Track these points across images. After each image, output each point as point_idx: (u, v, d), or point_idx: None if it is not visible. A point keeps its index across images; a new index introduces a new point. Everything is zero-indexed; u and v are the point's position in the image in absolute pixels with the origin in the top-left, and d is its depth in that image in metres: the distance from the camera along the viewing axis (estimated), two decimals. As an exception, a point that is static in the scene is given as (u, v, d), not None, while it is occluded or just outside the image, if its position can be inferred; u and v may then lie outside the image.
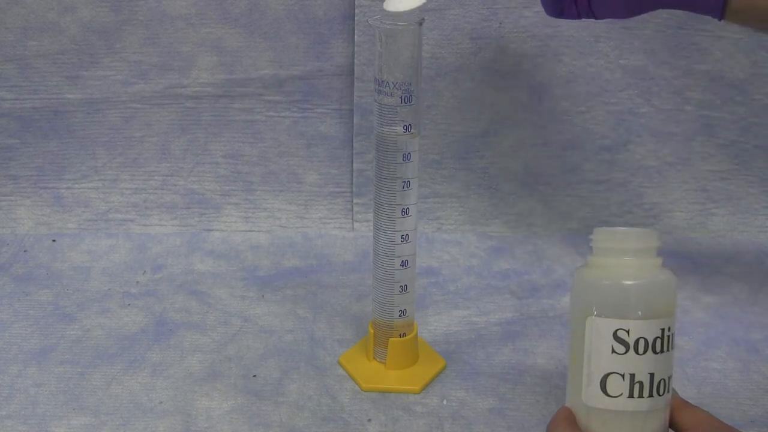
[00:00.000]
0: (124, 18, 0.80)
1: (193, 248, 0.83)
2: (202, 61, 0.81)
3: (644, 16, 0.63)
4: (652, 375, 0.48)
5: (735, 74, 0.81)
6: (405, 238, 0.61)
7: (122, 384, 0.64)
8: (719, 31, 0.80)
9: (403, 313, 0.64)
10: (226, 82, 0.82)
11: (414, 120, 0.58)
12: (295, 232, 0.86)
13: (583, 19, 0.63)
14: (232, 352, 0.68)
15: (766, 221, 0.86)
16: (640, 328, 0.48)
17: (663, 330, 0.49)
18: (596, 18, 0.62)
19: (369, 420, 0.60)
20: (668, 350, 0.49)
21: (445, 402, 0.62)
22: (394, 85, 0.57)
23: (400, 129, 0.58)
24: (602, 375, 0.49)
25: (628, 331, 0.48)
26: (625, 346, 0.48)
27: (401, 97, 0.57)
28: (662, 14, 0.79)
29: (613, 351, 0.49)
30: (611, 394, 0.49)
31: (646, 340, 0.48)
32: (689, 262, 0.82)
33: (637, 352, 0.48)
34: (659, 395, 0.49)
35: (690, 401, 0.52)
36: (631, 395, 0.49)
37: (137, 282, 0.78)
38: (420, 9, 0.55)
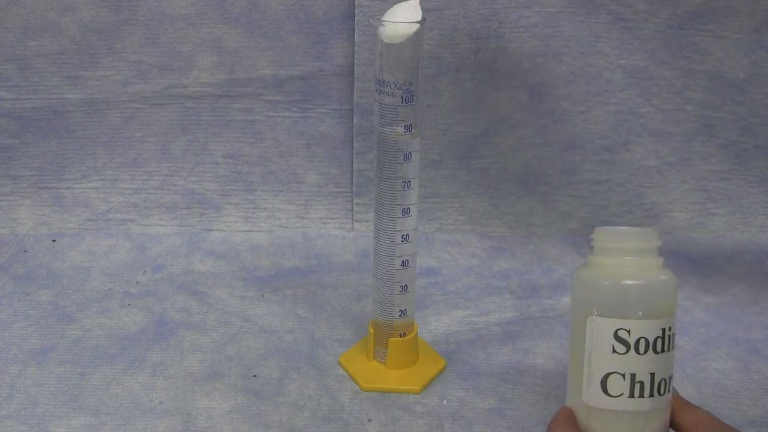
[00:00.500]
0: (124, 18, 0.80)
1: (193, 248, 0.83)
2: (202, 61, 0.81)
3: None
4: (652, 375, 0.48)
5: (735, 74, 0.81)
6: (405, 238, 0.61)
7: (122, 384, 0.64)
8: (719, 31, 0.80)
9: (403, 313, 0.64)
10: (226, 82, 0.82)
11: (415, 120, 0.58)
12: (295, 232, 0.86)
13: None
14: (232, 352, 0.68)
15: (766, 221, 0.86)
16: (640, 328, 0.48)
17: (664, 330, 0.49)
18: None
19: (369, 420, 0.60)
20: (669, 350, 0.49)
21: (445, 402, 0.62)
22: (395, 85, 0.56)
23: (400, 129, 0.58)
24: (603, 375, 0.49)
25: (628, 331, 0.48)
26: (625, 346, 0.48)
27: (402, 97, 0.57)
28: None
29: (614, 351, 0.49)
30: (612, 393, 0.49)
31: (646, 340, 0.48)
32: (689, 262, 0.82)
33: (637, 352, 0.48)
34: (660, 395, 0.49)
35: (690, 401, 0.52)
36: (631, 395, 0.49)
37: (137, 282, 0.78)
38: (413, 34, 0.55)
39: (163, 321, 0.72)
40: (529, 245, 0.85)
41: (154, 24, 0.80)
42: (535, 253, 0.84)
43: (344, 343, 0.69)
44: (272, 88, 0.82)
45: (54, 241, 0.84)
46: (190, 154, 0.85)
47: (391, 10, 0.56)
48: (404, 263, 0.62)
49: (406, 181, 0.60)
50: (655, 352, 0.48)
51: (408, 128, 0.58)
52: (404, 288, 0.63)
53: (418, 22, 0.55)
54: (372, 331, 0.65)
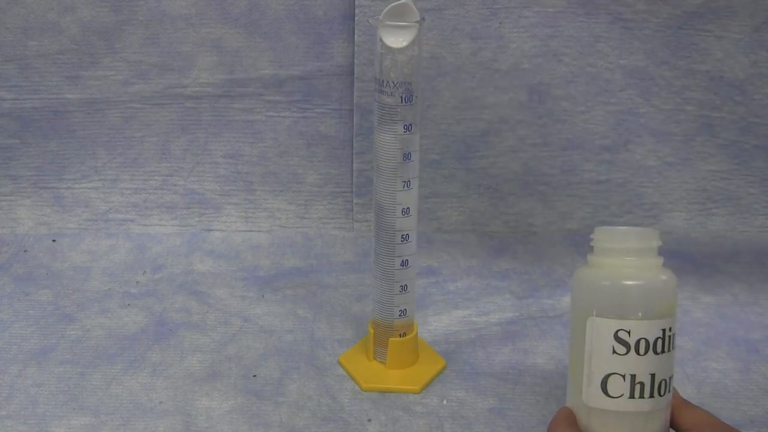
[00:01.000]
0: (124, 18, 0.80)
1: (193, 248, 0.83)
2: (202, 61, 0.81)
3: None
4: (653, 375, 0.48)
5: (735, 74, 0.82)
6: (405, 238, 0.61)
7: (122, 384, 0.64)
8: (719, 31, 0.80)
9: (403, 312, 0.64)
10: (226, 82, 0.82)
11: (414, 120, 0.58)
12: (295, 232, 0.86)
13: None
14: (232, 352, 0.68)
15: (766, 221, 0.86)
16: (641, 329, 0.48)
17: (664, 330, 0.49)
18: None
19: (369, 420, 0.60)
20: (669, 350, 0.49)
21: (445, 402, 0.62)
22: (395, 85, 0.56)
23: (400, 129, 0.58)
24: (603, 375, 0.49)
25: (629, 332, 0.48)
26: (626, 347, 0.48)
27: (401, 97, 0.57)
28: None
29: (614, 351, 0.49)
30: (612, 394, 0.49)
31: (647, 341, 0.48)
32: (689, 262, 0.82)
33: (638, 352, 0.48)
34: (660, 396, 0.49)
35: (690, 401, 0.52)
36: (632, 396, 0.49)
37: (137, 282, 0.78)
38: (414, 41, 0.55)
39: (163, 321, 0.72)
40: (529, 245, 0.85)
41: (154, 24, 0.80)
42: (535, 253, 0.84)
43: (344, 343, 0.69)
44: (272, 88, 0.82)
45: (54, 241, 0.84)
46: (190, 154, 0.85)
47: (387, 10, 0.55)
48: (404, 263, 0.62)
49: (406, 181, 0.60)
50: (656, 352, 0.48)
51: (408, 128, 0.58)
52: (404, 288, 0.63)
53: (417, 22, 0.55)
54: (372, 331, 0.65)
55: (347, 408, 0.61)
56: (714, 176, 0.86)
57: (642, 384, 0.48)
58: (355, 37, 0.79)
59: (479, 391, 0.63)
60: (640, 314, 0.48)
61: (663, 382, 0.49)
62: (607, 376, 0.49)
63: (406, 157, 0.59)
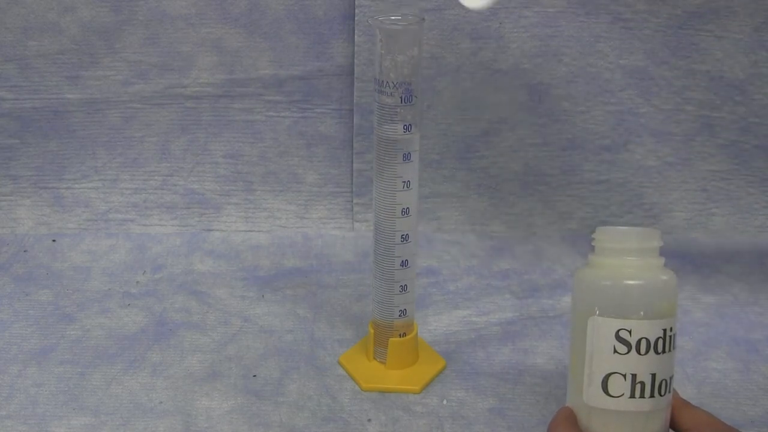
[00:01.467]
0: (124, 18, 0.80)
1: (193, 248, 0.83)
2: (202, 61, 0.81)
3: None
4: (653, 375, 0.48)
5: (735, 74, 0.82)
6: (405, 238, 0.61)
7: (122, 384, 0.64)
8: (719, 31, 0.80)
9: (403, 313, 0.64)
10: (226, 82, 0.82)
11: (414, 120, 0.58)
12: (295, 232, 0.86)
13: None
14: (232, 352, 0.68)
15: (766, 221, 0.86)
16: (642, 329, 0.48)
17: (665, 330, 0.49)
18: None
19: (369, 420, 0.60)
20: (670, 350, 0.49)
21: (445, 402, 0.62)
22: (395, 85, 0.56)
23: (400, 129, 0.58)
24: (604, 375, 0.49)
25: (630, 332, 0.48)
26: (627, 347, 0.48)
27: (401, 97, 0.57)
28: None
29: (615, 351, 0.49)
30: (613, 394, 0.49)
31: (648, 341, 0.48)
32: (689, 262, 0.82)
33: (638, 352, 0.48)
34: (661, 395, 0.49)
35: (690, 401, 0.52)
36: (632, 395, 0.49)
37: (137, 282, 0.78)
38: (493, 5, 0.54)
39: (163, 321, 0.72)
40: (529, 245, 0.85)
41: (154, 24, 0.80)
42: (535, 253, 0.84)
43: (344, 343, 0.69)
44: (272, 88, 0.82)
45: (54, 241, 0.84)
46: (190, 154, 0.85)
47: None
48: (404, 263, 0.62)
49: (406, 181, 0.59)
50: (656, 352, 0.48)
51: (408, 128, 0.58)
52: (404, 288, 0.63)
53: None
54: (372, 331, 0.65)
55: (347, 408, 0.61)
56: (714, 176, 0.86)
57: (643, 384, 0.48)
58: (355, 37, 0.79)
59: (479, 391, 0.63)
60: (641, 314, 0.48)
61: (663, 382, 0.49)
62: (608, 375, 0.49)
63: (406, 157, 0.59)
